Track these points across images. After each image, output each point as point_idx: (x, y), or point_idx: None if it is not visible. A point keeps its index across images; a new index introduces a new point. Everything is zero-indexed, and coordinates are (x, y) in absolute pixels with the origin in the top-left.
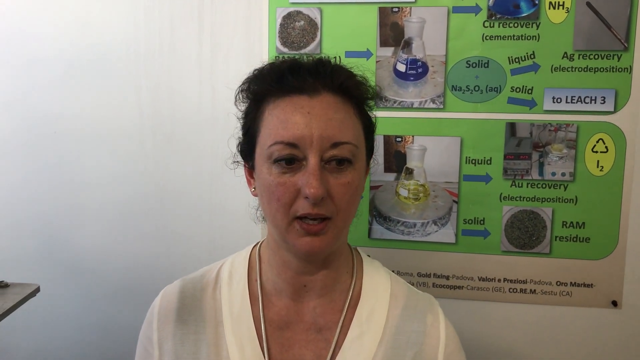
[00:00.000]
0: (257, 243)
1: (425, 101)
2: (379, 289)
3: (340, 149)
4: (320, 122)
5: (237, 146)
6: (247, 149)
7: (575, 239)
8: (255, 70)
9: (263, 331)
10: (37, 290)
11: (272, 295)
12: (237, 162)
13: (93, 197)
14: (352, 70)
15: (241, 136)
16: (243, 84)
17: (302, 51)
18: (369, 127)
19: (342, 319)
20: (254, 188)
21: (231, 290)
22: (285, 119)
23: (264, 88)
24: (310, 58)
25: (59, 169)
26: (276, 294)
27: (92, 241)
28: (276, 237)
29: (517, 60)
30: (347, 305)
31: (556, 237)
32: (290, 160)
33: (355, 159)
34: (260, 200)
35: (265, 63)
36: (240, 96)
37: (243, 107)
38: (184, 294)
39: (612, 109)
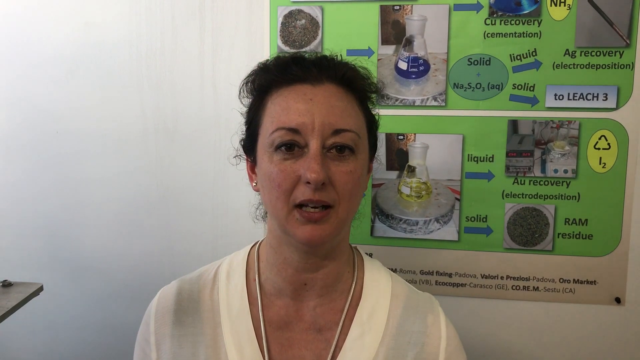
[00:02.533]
0: (256, 243)
1: (427, 99)
2: (380, 289)
3: (342, 136)
4: (322, 109)
5: (240, 141)
6: (250, 142)
7: (578, 236)
8: (259, 64)
9: (262, 331)
10: (41, 289)
11: (271, 295)
12: (240, 156)
13: (95, 196)
14: (355, 65)
15: (244, 130)
16: (248, 77)
17: (304, 50)
18: (371, 122)
19: (342, 319)
20: (255, 183)
21: (229, 291)
22: (288, 106)
23: (268, 79)
24: (315, 54)
25: (61, 168)
26: (275, 293)
27: (95, 240)
28: (277, 231)
29: (518, 57)
30: (347, 305)
31: (559, 234)
32: (292, 147)
33: (357, 148)
34: (262, 193)
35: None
36: (245, 89)
37: (246, 102)
38: (181, 295)
39: (614, 106)
